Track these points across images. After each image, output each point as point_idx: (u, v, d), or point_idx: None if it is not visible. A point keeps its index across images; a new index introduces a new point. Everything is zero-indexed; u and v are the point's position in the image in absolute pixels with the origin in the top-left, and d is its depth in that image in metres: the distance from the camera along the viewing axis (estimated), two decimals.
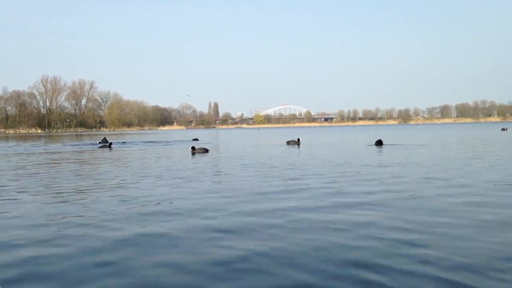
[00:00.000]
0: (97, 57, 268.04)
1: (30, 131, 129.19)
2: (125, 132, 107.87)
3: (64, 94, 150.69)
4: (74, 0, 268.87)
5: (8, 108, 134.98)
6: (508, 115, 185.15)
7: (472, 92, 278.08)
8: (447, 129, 63.67)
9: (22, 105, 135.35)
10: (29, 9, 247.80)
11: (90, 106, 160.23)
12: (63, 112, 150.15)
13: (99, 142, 30.94)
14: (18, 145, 35.48)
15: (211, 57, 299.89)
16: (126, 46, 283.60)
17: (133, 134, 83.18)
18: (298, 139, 27.21)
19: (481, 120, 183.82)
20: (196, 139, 38.36)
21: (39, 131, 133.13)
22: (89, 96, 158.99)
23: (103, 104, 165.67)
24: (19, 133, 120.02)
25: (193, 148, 20.59)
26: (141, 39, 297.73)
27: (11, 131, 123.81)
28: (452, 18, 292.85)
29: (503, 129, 47.60)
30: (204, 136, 53.99)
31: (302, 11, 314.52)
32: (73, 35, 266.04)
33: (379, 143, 23.65)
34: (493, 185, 8.55)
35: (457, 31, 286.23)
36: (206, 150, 20.24)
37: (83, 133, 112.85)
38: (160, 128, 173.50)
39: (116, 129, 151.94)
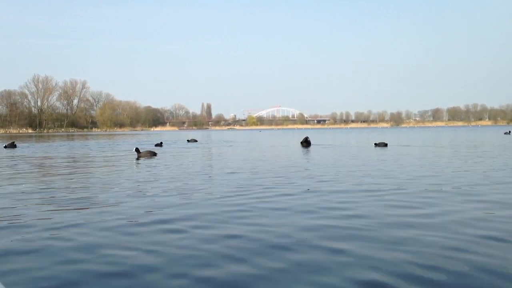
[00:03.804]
0: (90, 57, 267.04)
1: (20, 131, 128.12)
2: (117, 133, 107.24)
3: (56, 94, 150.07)
4: (67, 0, 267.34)
5: None
6: (499, 119, 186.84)
7: (464, 96, 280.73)
8: (448, 132, 63.10)
9: (13, 105, 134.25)
10: (21, 9, 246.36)
11: (82, 106, 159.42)
12: (55, 112, 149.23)
13: (5, 146, 28.98)
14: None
15: (205, 58, 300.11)
16: (118, 47, 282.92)
17: (128, 134, 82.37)
18: (307, 139, 28.04)
19: (473, 123, 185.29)
20: (195, 140, 37.66)
21: (30, 131, 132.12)
22: (81, 96, 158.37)
23: (95, 104, 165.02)
24: (9, 133, 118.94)
25: (137, 150, 18.71)
26: (134, 39, 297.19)
27: (1, 131, 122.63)
28: (444, 22, 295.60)
29: (506, 133, 47.03)
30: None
31: (295, 14, 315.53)
32: (65, 35, 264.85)
33: (384, 144, 24.89)
34: None
35: (449, 35, 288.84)
36: (154, 154, 18.72)
37: (75, 133, 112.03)
38: (152, 129, 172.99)
39: (108, 130, 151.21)
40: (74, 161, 17.13)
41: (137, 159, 17.62)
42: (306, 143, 27.73)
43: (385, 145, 25.22)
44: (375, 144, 25.46)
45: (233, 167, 13.33)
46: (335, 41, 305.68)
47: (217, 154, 21.50)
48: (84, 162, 17.03)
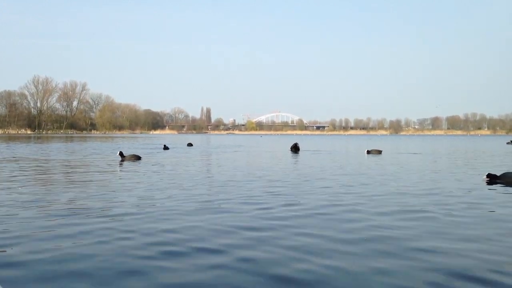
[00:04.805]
0: (90, 59, 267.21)
1: (19, 132, 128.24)
2: (116, 135, 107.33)
3: (56, 95, 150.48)
4: (67, 1, 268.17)
5: None
6: (498, 128, 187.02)
7: (463, 105, 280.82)
8: (447, 141, 63.04)
9: (12, 105, 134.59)
10: (21, 9, 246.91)
11: (82, 108, 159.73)
12: (54, 113, 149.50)
13: None
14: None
15: (205, 62, 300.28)
16: (119, 49, 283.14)
17: (127, 137, 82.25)
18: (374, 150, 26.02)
19: (472, 132, 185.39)
20: (191, 144, 37.59)
21: (29, 132, 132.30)
22: (81, 98, 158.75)
23: (94, 106, 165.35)
24: (8, 133, 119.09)
25: (121, 154, 18.16)
26: (135, 42, 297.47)
27: (0, 131, 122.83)
28: (444, 31, 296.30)
29: (508, 143, 47.11)
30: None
31: (295, 20, 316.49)
32: (66, 36, 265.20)
33: (378, 152, 25.38)
34: None
35: (450, 44, 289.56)
36: (138, 158, 18.15)
37: (74, 135, 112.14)
38: (151, 132, 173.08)
39: (107, 132, 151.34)
40: (51, 166, 16.93)
41: (121, 162, 17.17)
42: (295, 149, 28.79)
43: (379, 152, 25.35)
44: (368, 151, 25.45)
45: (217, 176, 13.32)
46: (335, 47, 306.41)
47: (213, 160, 21.45)
48: (52, 165, 16.20)
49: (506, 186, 10.06)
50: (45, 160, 18.79)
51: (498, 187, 9.99)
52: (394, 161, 19.04)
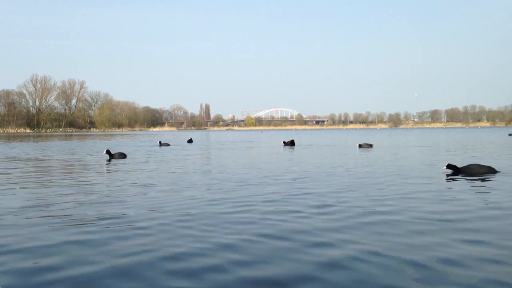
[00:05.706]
0: (88, 58, 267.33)
1: (18, 131, 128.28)
2: (116, 133, 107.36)
3: (54, 93, 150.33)
4: (67, 1, 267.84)
5: None
6: (497, 120, 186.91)
7: (462, 98, 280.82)
8: (446, 133, 62.77)
9: (11, 105, 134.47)
10: (21, 9, 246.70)
11: (80, 106, 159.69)
12: (53, 112, 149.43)
13: None
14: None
15: (203, 59, 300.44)
16: (117, 47, 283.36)
17: (126, 135, 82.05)
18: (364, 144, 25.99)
19: (471, 125, 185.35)
20: (191, 141, 37.55)
21: (28, 130, 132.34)
22: (79, 96, 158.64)
23: (93, 104, 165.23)
24: (7, 132, 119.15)
25: (108, 152, 18.19)
26: (133, 40, 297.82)
27: (0, 131, 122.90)
28: (443, 24, 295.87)
29: (510, 135, 47.01)
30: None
31: (294, 16, 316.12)
32: (64, 35, 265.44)
33: (369, 145, 25.76)
34: None
35: (448, 37, 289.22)
36: (124, 156, 18.36)
37: (73, 133, 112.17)
38: (151, 129, 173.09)
39: (106, 130, 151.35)
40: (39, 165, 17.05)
41: (109, 160, 17.03)
42: (291, 143, 30.02)
43: (370, 146, 25.64)
44: (359, 145, 25.72)
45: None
46: (334, 42, 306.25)
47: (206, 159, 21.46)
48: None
49: (467, 177, 9.71)
50: (41, 159, 18.91)
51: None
52: (379, 154, 19.18)
